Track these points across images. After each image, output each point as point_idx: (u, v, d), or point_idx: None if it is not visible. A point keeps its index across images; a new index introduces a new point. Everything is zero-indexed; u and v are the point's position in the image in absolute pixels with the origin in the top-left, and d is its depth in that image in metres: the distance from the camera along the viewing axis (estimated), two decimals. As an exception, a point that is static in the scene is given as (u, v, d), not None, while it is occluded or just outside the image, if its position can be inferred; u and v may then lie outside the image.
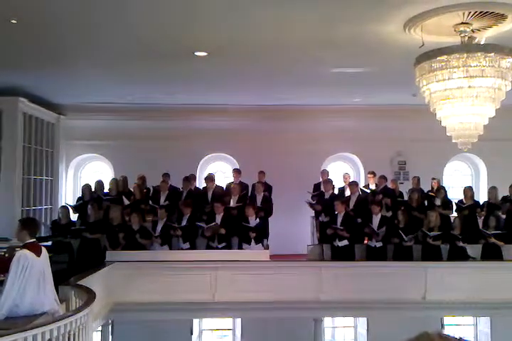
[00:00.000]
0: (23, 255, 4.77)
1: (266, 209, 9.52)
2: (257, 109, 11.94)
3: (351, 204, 9.69)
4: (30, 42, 7.22)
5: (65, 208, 9.57)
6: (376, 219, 9.03)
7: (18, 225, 5.08)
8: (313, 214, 10.28)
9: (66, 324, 4.45)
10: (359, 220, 9.35)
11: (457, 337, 0.98)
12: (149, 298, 8.00)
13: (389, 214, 9.46)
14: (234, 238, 9.20)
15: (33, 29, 6.65)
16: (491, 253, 8.77)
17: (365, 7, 5.86)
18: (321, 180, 10.54)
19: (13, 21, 6.25)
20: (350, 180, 10.70)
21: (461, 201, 9.79)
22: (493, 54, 5.81)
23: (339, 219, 8.99)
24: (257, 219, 8.96)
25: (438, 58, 5.94)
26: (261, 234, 8.98)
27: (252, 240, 8.86)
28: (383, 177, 10.28)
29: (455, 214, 9.69)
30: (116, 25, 6.51)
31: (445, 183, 11.91)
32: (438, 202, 9.67)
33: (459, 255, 8.79)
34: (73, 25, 6.46)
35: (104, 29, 6.66)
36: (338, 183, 10.74)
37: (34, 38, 7.05)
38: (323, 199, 9.87)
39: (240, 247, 9.02)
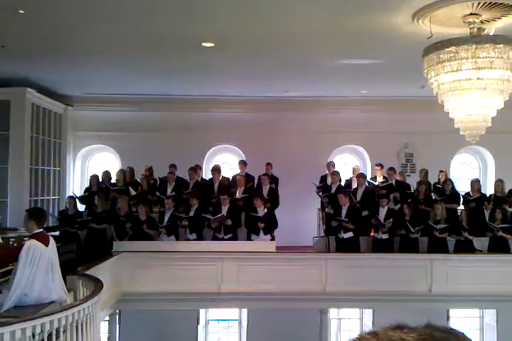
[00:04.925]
0: (33, 245, 4.80)
1: (272, 201, 9.53)
2: (264, 100, 11.91)
3: (358, 196, 9.68)
4: (38, 32, 7.22)
5: (72, 198, 9.63)
6: (383, 212, 9.02)
7: (25, 215, 5.10)
8: (320, 206, 10.29)
9: (74, 313, 4.48)
10: (365, 212, 9.35)
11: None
12: (156, 288, 8.06)
13: (397, 207, 9.44)
14: (242, 229, 9.21)
15: (40, 19, 6.65)
16: (499, 246, 8.75)
17: (374, -3, 5.82)
18: (327, 172, 10.53)
19: (21, 11, 6.25)
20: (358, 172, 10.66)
21: (468, 194, 9.76)
22: (502, 45, 5.75)
23: (344, 212, 8.99)
24: (265, 210, 8.95)
25: (446, 49, 5.88)
26: (269, 225, 8.96)
27: (261, 231, 8.86)
28: (392, 170, 10.19)
29: (462, 206, 9.67)
30: (124, 16, 6.49)
31: (452, 175, 11.85)
32: (446, 193, 9.63)
33: (465, 248, 8.78)
34: (81, 16, 6.45)
35: (112, 20, 6.64)
36: (345, 175, 10.72)
37: (42, 29, 7.05)
38: (329, 192, 9.86)
39: (249, 238, 9.02)
